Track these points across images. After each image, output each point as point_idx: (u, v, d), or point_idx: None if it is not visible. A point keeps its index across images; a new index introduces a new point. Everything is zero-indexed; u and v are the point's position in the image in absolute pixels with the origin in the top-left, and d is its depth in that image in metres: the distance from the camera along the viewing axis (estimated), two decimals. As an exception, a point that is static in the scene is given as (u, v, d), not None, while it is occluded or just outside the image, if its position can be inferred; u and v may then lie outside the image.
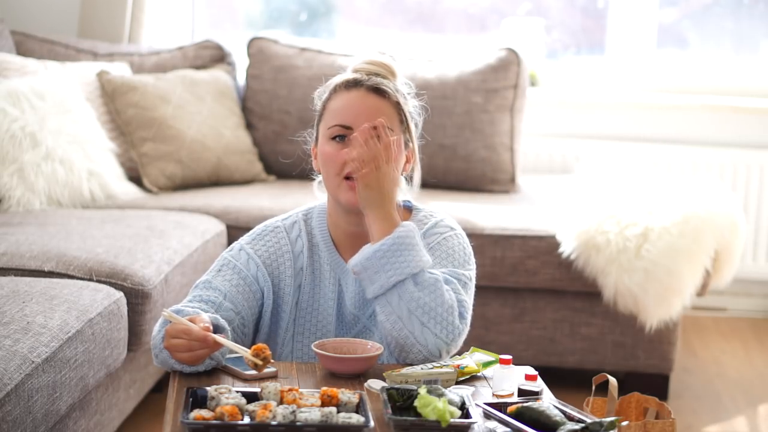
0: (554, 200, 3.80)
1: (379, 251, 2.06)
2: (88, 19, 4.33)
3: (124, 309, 2.77)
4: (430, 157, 3.88)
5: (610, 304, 3.46)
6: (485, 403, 1.85)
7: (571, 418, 1.80)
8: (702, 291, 3.52)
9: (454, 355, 2.11)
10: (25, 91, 3.58)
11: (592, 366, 3.61)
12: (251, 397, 1.82)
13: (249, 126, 4.20)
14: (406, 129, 2.17)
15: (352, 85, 2.15)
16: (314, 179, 2.28)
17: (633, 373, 3.62)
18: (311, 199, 2.32)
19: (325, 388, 1.81)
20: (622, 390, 3.29)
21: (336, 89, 2.17)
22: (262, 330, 2.19)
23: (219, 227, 3.51)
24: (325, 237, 2.21)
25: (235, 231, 3.51)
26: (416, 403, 1.77)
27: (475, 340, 3.43)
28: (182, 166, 3.91)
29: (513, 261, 3.53)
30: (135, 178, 3.90)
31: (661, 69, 4.64)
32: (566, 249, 3.48)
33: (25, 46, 4.04)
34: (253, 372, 1.95)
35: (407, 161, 2.20)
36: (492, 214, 3.66)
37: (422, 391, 1.78)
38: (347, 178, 2.12)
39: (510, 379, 1.97)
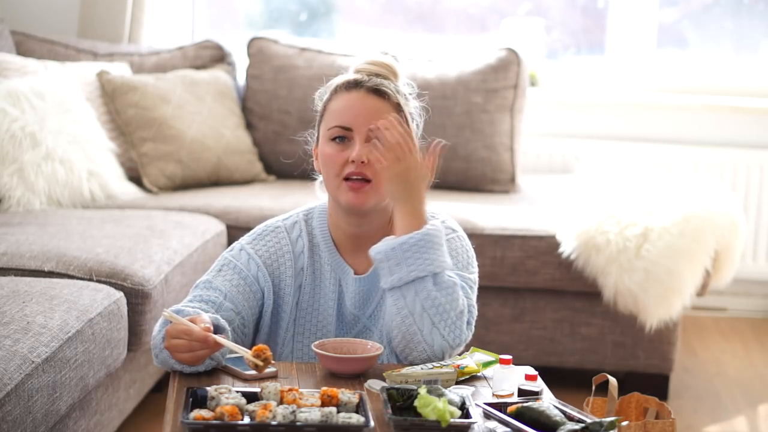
0: (554, 200, 3.80)
1: (406, 244, 2.05)
2: (88, 19, 4.32)
3: (124, 309, 2.77)
4: (430, 157, 3.87)
5: (610, 304, 3.46)
6: (485, 403, 1.85)
7: (571, 418, 1.79)
8: (702, 291, 3.52)
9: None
10: (25, 91, 3.58)
11: (592, 366, 3.61)
12: (251, 397, 1.82)
13: (249, 126, 4.19)
14: (406, 130, 2.17)
15: (352, 86, 2.15)
16: (314, 179, 2.28)
17: (633, 373, 3.61)
18: (311, 199, 2.32)
19: (325, 388, 1.81)
20: (622, 390, 3.28)
21: (336, 90, 2.16)
22: (262, 330, 2.19)
23: (219, 227, 3.51)
24: (325, 237, 2.21)
25: (235, 231, 3.50)
26: (416, 403, 1.77)
27: (475, 340, 3.42)
28: (182, 166, 3.91)
29: (513, 261, 3.53)
30: (135, 178, 3.90)
31: (661, 69, 4.64)
32: (566, 249, 3.48)
33: (25, 46, 4.04)
34: (254, 372, 1.95)
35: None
36: (492, 214, 3.65)
37: (422, 391, 1.78)
38: (347, 179, 2.12)
39: (510, 379, 1.97)
